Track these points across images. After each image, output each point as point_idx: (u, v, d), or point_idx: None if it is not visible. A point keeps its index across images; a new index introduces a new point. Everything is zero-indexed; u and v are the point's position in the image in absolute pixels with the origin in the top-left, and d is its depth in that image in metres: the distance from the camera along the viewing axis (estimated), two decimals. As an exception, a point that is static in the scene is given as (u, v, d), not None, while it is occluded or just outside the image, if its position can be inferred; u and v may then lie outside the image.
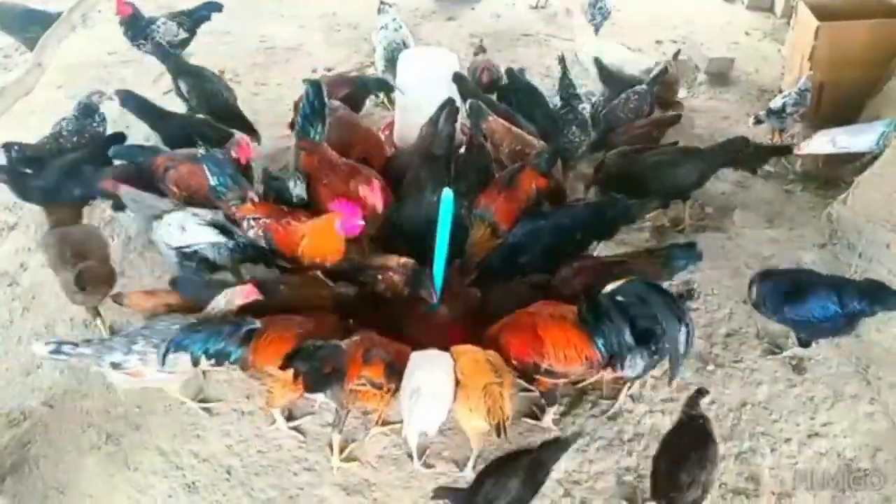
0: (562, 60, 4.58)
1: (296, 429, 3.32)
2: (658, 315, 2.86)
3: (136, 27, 5.40)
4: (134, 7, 5.36)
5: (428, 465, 3.20)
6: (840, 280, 3.41)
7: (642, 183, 4.12)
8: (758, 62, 6.31)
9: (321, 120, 4.04)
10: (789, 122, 5.10)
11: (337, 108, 4.46)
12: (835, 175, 4.78)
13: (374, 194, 3.83)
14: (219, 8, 5.70)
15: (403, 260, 3.49)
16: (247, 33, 6.88)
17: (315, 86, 4.03)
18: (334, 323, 3.22)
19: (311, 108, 4.01)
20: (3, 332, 3.89)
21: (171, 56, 5.14)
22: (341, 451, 3.19)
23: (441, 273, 3.54)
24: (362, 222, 3.50)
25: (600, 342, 2.95)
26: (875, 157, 4.32)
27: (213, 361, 2.98)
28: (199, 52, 5.87)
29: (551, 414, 3.35)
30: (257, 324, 3.00)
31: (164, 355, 2.92)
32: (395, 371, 2.97)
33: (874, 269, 3.97)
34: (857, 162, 4.61)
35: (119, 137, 4.41)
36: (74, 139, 4.48)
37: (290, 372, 2.84)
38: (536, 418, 3.37)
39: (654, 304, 2.88)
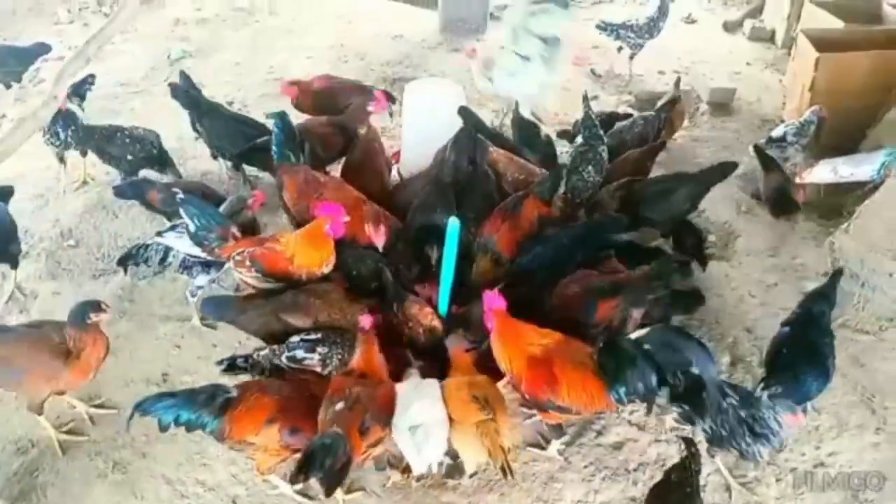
0: (585, 99, 4.58)
1: (301, 492, 3.20)
2: (693, 360, 2.85)
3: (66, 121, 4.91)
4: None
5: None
6: (817, 338, 3.36)
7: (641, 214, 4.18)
8: (759, 92, 6.39)
9: (295, 144, 4.17)
10: (791, 152, 5.15)
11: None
12: (837, 204, 4.82)
13: (378, 237, 3.89)
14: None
15: (434, 324, 3.52)
16: (256, 64, 7.01)
17: (280, 116, 4.18)
18: (310, 383, 3.15)
19: (284, 136, 4.12)
20: (12, 360, 3.92)
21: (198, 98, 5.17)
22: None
23: (447, 299, 3.58)
24: (347, 219, 3.58)
25: (622, 391, 2.91)
26: (877, 187, 4.35)
27: (184, 429, 2.92)
28: (210, 84, 5.99)
29: (557, 444, 3.36)
30: (233, 392, 2.94)
31: (130, 419, 2.90)
32: (388, 421, 2.94)
33: (877, 299, 4.00)
34: (858, 191, 4.65)
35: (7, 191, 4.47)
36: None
37: (271, 437, 2.87)
38: (542, 448, 3.38)
39: (687, 350, 2.87)
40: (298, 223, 4.01)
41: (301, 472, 2.63)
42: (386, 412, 2.95)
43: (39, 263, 4.55)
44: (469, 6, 7.61)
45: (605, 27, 6.32)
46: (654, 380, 2.88)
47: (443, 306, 3.60)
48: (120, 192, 4.51)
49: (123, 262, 3.95)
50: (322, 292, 3.56)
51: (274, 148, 4.12)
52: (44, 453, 3.42)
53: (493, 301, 3.14)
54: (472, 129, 4.38)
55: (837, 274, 3.64)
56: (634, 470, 3.30)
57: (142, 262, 3.93)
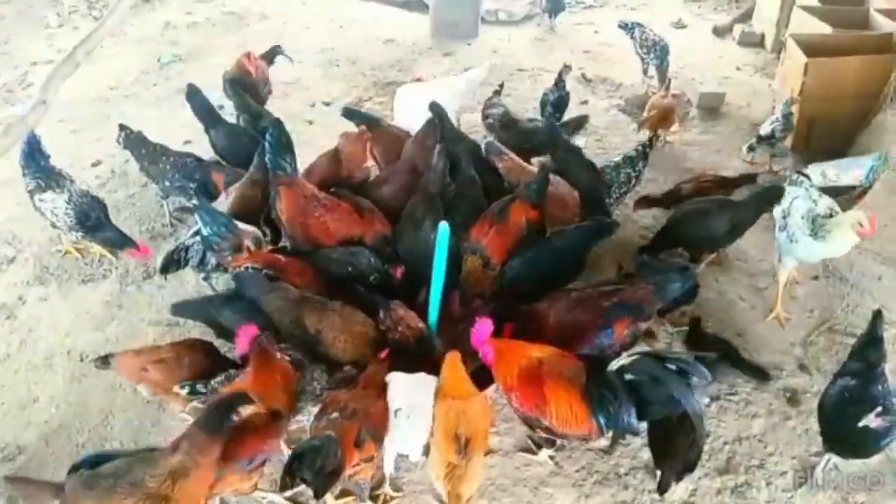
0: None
1: (291, 499, 3.16)
2: (675, 394, 2.75)
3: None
4: None
5: (397, 489, 3.20)
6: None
7: (674, 233, 4.19)
8: (749, 97, 6.43)
9: (290, 152, 4.06)
10: (779, 147, 5.25)
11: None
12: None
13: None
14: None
15: (421, 326, 3.48)
16: (247, 68, 6.99)
17: (275, 125, 4.11)
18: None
19: (278, 143, 3.99)
20: (0, 366, 3.90)
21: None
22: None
23: (437, 306, 3.57)
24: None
25: (602, 420, 2.87)
26: (866, 191, 4.38)
27: None
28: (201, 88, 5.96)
29: (548, 449, 3.36)
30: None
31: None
32: (381, 438, 2.91)
33: (866, 302, 4.02)
34: (848, 195, 4.67)
35: None
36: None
37: (228, 485, 2.75)
38: (533, 453, 3.37)
39: (670, 383, 2.77)
40: (290, 238, 4.00)
41: (289, 473, 2.59)
42: (380, 429, 2.90)
43: (27, 268, 4.52)
44: (460, 11, 7.64)
45: (624, 25, 6.41)
46: (633, 415, 2.84)
47: (433, 313, 3.59)
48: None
49: (165, 269, 3.95)
50: (347, 318, 3.44)
51: (268, 157, 4.01)
52: (31, 460, 3.38)
53: (482, 332, 3.09)
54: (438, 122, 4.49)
55: (877, 317, 3.22)
56: (625, 474, 3.30)
57: (183, 265, 3.93)
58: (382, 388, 3.08)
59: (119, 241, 4.29)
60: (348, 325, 3.41)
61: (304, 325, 3.38)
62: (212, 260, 3.88)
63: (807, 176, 4.02)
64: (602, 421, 2.87)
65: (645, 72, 6.41)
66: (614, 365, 2.90)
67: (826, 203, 3.79)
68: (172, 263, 3.94)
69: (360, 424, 2.79)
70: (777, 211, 3.98)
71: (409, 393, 3.01)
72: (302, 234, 3.93)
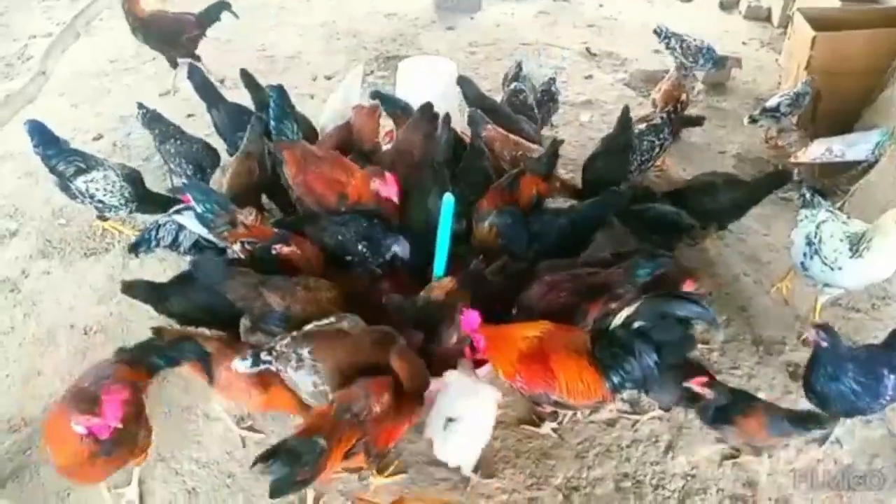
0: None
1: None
2: (686, 315, 2.76)
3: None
4: None
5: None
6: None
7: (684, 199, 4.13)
8: (755, 72, 6.36)
9: (292, 119, 4.10)
10: (784, 122, 5.18)
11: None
12: (831, 184, 4.81)
13: (388, 187, 3.83)
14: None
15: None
16: (247, 42, 6.92)
17: (278, 91, 4.12)
18: None
19: (281, 111, 4.06)
20: (3, 339, 3.90)
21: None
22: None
23: (441, 276, 3.56)
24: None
25: (616, 380, 2.84)
26: (871, 166, 4.35)
27: None
28: (202, 61, 5.91)
29: (551, 422, 3.38)
30: None
31: None
32: (377, 454, 2.85)
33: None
34: (853, 170, 4.65)
35: None
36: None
37: None
38: (536, 425, 3.39)
39: (678, 309, 2.77)
40: (297, 198, 4.00)
41: (268, 457, 2.50)
42: (380, 446, 2.84)
43: (30, 242, 4.52)
44: (463, -16, 7.54)
45: (659, 32, 5.84)
46: (652, 363, 2.81)
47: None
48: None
49: (135, 249, 3.81)
50: (312, 286, 3.40)
51: (272, 122, 4.04)
52: (36, 431, 3.40)
53: (471, 322, 3.02)
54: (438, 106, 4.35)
55: None
56: (627, 446, 3.32)
57: (154, 246, 3.82)
58: (393, 402, 2.88)
59: (164, 202, 4.15)
60: (314, 296, 3.36)
61: (270, 305, 3.31)
62: (185, 241, 3.81)
63: (822, 194, 3.72)
64: (616, 381, 2.85)
65: (685, 76, 5.74)
66: (618, 320, 2.88)
67: (857, 222, 3.49)
68: (142, 243, 3.80)
69: (360, 435, 2.71)
70: (799, 236, 3.63)
71: (467, 402, 2.94)
72: (305, 190, 3.93)
